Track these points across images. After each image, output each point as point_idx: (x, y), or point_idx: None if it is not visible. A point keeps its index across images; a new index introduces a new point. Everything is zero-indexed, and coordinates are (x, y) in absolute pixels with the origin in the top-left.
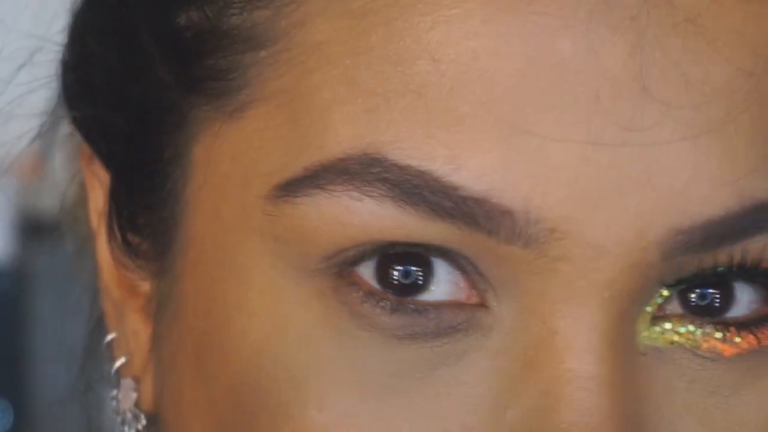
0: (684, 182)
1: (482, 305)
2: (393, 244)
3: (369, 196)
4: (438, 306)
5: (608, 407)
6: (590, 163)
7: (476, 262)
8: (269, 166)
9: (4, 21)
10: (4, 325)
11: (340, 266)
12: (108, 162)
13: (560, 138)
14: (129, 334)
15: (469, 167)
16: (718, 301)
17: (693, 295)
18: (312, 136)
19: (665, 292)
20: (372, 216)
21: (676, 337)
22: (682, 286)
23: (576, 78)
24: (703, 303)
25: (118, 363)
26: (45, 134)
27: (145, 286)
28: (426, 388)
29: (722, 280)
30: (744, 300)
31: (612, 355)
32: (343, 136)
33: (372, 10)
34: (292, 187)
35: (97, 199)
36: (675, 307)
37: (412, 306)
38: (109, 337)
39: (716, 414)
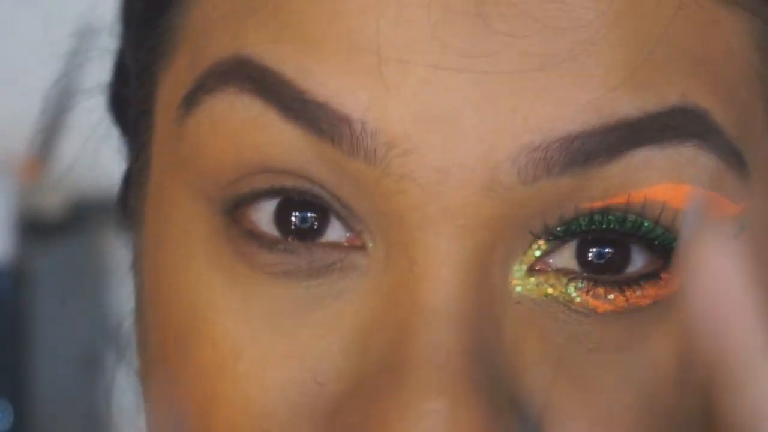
0: (529, 102)
1: (361, 248)
2: (282, 172)
3: (243, 93)
4: (310, 247)
5: (456, 343)
6: (428, 84)
7: (338, 191)
8: (179, 90)
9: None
10: (4, 325)
11: (236, 200)
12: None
13: (399, 57)
14: None
15: (315, 73)
16: (613, 261)
17: (590, 254)
18: (201, 53)
19: (543, 244)
20: (246, 117)
21: (549, 290)
22: (569, 239)
23: (414, 9)
24: (599, 261)
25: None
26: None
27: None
28: (304, 330)
29: (617, 239)
30: (638, 262)
31: (470, 294)
32: (221, 44)
33: None
34: (188, 101)
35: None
36: (570, 263)
37: (284, 246)
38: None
39: (594, 372)
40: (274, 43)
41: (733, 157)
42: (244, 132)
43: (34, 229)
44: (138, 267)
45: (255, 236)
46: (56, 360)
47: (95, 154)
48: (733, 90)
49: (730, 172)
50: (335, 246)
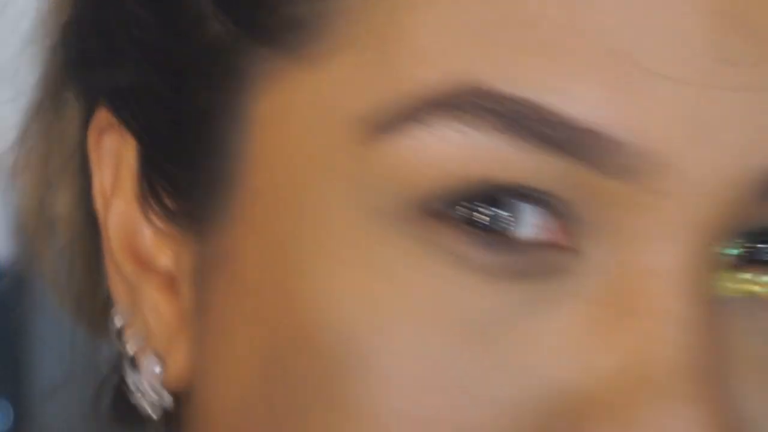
0: None
1: (576, 251)
2: (488, 185)
3: (474, 128)
4: (531, 244)
5: (704, 349)
6: (696, 98)
7: (572, 203)
8: (359, 108)
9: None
10: (4, 325)
11: (434, 209)
12: (140, 126)
13: (668, 73)
14: (147, 311)
15: (581, 99)
16: None
17: None
18: (408, 73)
19: (745, 243)
20: (476, 149)
21: (757, 288)
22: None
23: (686, 17)
24: None
25: (135, 342)
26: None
27: (164, 260)
28: (520, 336)
29: None
30: None
31: (705, 298)
32: (445, 69)
33: None
34: (390, 125)
35: (104, 177)
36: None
37: (505, 243)
38: (117, 318)
39: None
40: (529, 70)
41: None
42: (465, 159)
43: None
44: (228, 279)
45: (467, 235)
46: (56, 360)
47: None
48: None
49: None
50: (552, 245)
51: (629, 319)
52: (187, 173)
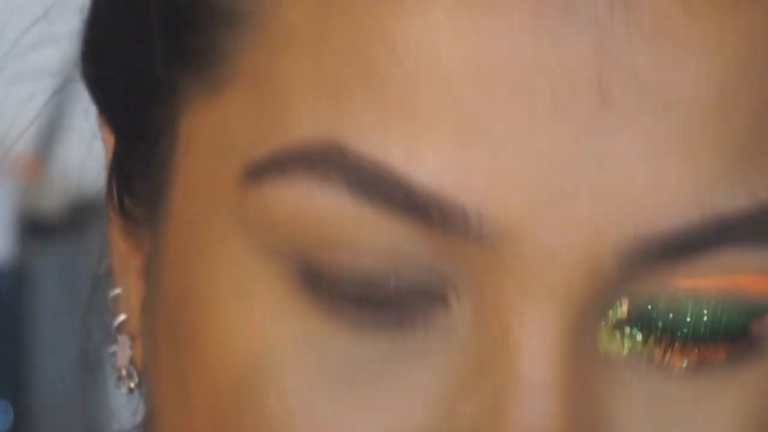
0: (641, 192)
1: (443, 303)
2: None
3: (328, 185)
4: (401, 297)
5: (556, 412)
6: (545, 167)
7: (433, 262)
8: (241, 146)
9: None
10: (4, 325)
11: (304, 257)
12: (111, 124)
13: (516, 139)
14: (129, 291)
15: (425, 162)
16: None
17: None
18: (277, 120)
19: (625, 303)
20: (332, 205)
21: (631, 343)
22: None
23: (535, 79)
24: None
25: (120, 318)
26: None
27: (147, 245)
28: (384, 384)
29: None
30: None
31: (566, 362)
32: (307, 122)
33: None
34: (258, 171)
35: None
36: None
37: (375, 296)
38: (115, 291)
39: (676, 427)
40: (377, 129)
41: None
42: (320, 218)
43: (34, 229)
44: (155, 283)
45: (338, 284)
46: (56, 360)
47: (96, 154)
48: None
49: None
50: (421, 296)
51: (487, 376)
52: (137, 178)
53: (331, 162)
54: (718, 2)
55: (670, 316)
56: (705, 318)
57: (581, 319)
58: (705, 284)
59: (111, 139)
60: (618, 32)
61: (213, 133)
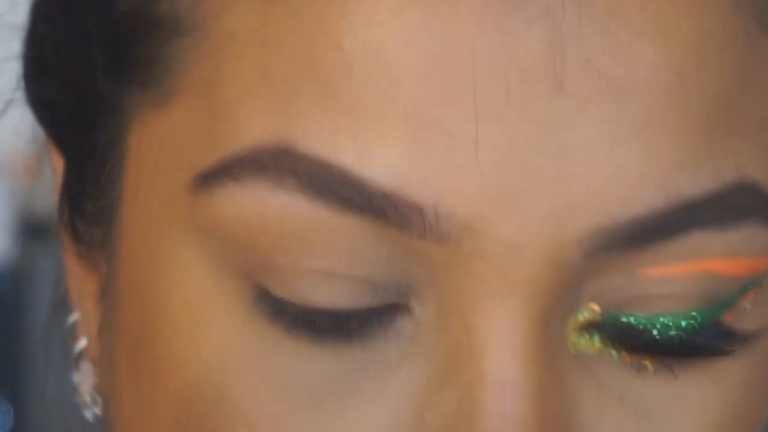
0: (602, 181)
1: (406, 310)
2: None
3: (282, 188)
4: (361, 307)
5: (527, 413)
6: (501, 160)
7: (392, 264)
8: (190, 156)
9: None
10: (4, 325)
11: (261, 267)
12: (59, 146)
13: (469, 134)
14: (88, 315)
15: (378, 161)
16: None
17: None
18: (226, 127)
19: (596, 307)
20: (286, 209)
21: (601, 345)
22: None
23: (486, 73)
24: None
25: (80, 345)
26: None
27: (103, 268)
28: (349, 399)
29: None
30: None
31: (533, 358)
32: (256, 127)
33: None
34: (208, 179)
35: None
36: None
37: (335, 307)
38: (73, 317)
39: (650, 426)
40: (327, 130)
41: None
42: (278, 220)
43: (34, 229)
44: (110, 308)
45: (292, 302)
46: (56, 360)
47: None
48: None
49: None
50: (381, 308)
51: (453, 381)
52: (87, 199)
53: (282, 166)
54: None
55: (641, 320)
56: (676, 322)
57: (547, 313)
58: (674, 272)
59: (60, 162)
60: (570, 21)
61: (161, 146)
